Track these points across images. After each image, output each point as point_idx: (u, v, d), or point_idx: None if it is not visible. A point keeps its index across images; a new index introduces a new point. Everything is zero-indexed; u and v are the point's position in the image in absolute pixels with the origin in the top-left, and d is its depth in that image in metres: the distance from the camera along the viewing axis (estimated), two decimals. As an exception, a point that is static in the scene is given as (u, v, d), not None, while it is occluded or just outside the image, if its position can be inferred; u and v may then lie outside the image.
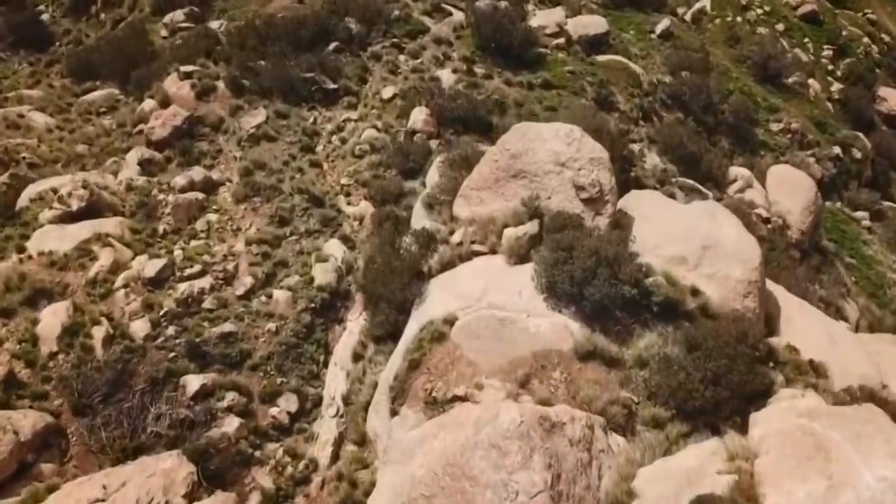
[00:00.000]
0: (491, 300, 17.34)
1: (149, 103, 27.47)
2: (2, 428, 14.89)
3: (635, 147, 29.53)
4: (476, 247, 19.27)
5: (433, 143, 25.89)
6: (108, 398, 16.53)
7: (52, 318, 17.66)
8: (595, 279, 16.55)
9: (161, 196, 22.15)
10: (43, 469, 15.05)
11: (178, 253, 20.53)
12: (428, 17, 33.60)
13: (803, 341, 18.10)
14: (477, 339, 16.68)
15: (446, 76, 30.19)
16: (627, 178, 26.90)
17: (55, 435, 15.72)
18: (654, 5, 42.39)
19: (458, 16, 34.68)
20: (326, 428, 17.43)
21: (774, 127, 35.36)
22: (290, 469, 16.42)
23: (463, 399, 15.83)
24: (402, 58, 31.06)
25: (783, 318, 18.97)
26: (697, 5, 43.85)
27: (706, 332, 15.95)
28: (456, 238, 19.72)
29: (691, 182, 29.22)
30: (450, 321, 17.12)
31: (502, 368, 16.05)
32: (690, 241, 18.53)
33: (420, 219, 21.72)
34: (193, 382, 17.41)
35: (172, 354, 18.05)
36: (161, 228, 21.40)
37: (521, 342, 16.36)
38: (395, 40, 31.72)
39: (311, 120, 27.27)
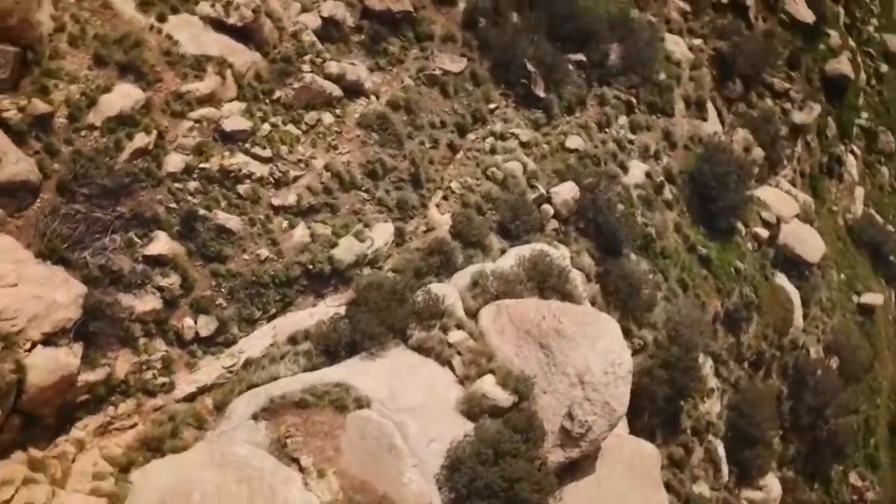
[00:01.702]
0: (407, 421, 16.66)
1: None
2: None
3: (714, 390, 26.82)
4: (456, 363, 18.36)
5: (552, 225, 24.19)
6: (92, 198, 16.97)
7: (121, 97, 17.97)
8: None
9: (305, 69, 21.66)
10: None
11: (266, 126, 20.32)
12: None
13: None
14: (361, 439, 16.23)
15: (635, 171, 27.71)
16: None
17: (26, 192, 16.35)
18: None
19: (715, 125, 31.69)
20: (208, 371, 17.61)
21: None
22: (148, 375, 16.71)
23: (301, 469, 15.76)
24: (620, 120, 28.60)
25: None
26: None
27: None
28: (454, 338, 18.78)
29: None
30: (361, 404, 16.63)
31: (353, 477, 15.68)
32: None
33: (462, 282, 20.68)
34: (159, 244, 17.69)
35: (172, 205, 18.28)
36: (278, 94, 21.11)
37: (393, 472, 15.77)
38: (632, 98, 29.07)
39: (491, 106, 25.76)
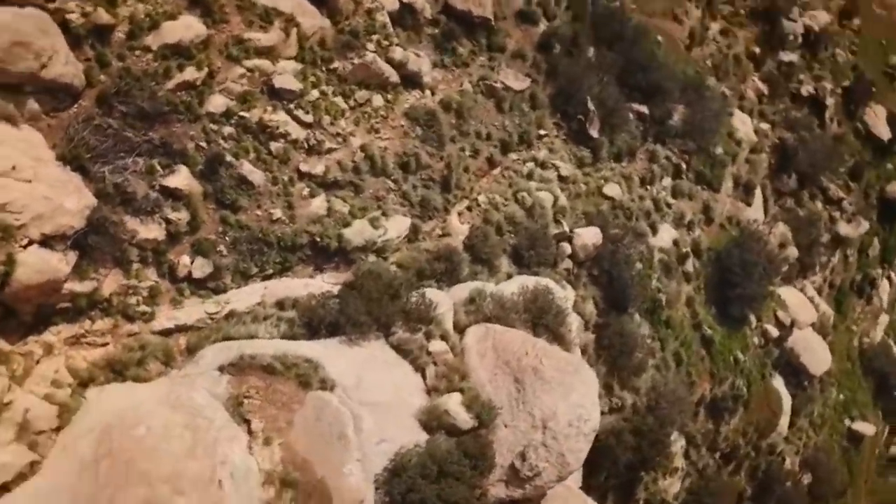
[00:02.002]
0: (365, 415, 16.66)
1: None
2: (49, 51, 15.80)
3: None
4: (429, 373, 18.38)
5: (565, 264, 24.05)
6: (127, 117, 17.18)
7: (183, 28, 18.19)
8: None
9: (369, 47, 21.74)
10: (28, 105, 16.01)
11: (315, 93, 20.43)
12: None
13: None
14: (316, 420, 16.30)
15: (664, 234, 27.43)
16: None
17: (66, 95, 16.55)
18: None
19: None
20: (190, 312, 17.67)
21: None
22: (132, 300, 16.82)
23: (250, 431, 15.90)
24: (665, 181, 28.29)
25: None
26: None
27: None
28: (434, 347, 18.79)
29: None
30: (325, 385, 16.69)
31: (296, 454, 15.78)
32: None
33: (460, 295, 20.67)
34: (179, 177, 17.79)
35: (202, 144, 18.44)
36: (336, 65, 21.21)
37: (336, 460, 15.79)
38: (683, 163, 28.75)
39: (541, 132, 25.66)
